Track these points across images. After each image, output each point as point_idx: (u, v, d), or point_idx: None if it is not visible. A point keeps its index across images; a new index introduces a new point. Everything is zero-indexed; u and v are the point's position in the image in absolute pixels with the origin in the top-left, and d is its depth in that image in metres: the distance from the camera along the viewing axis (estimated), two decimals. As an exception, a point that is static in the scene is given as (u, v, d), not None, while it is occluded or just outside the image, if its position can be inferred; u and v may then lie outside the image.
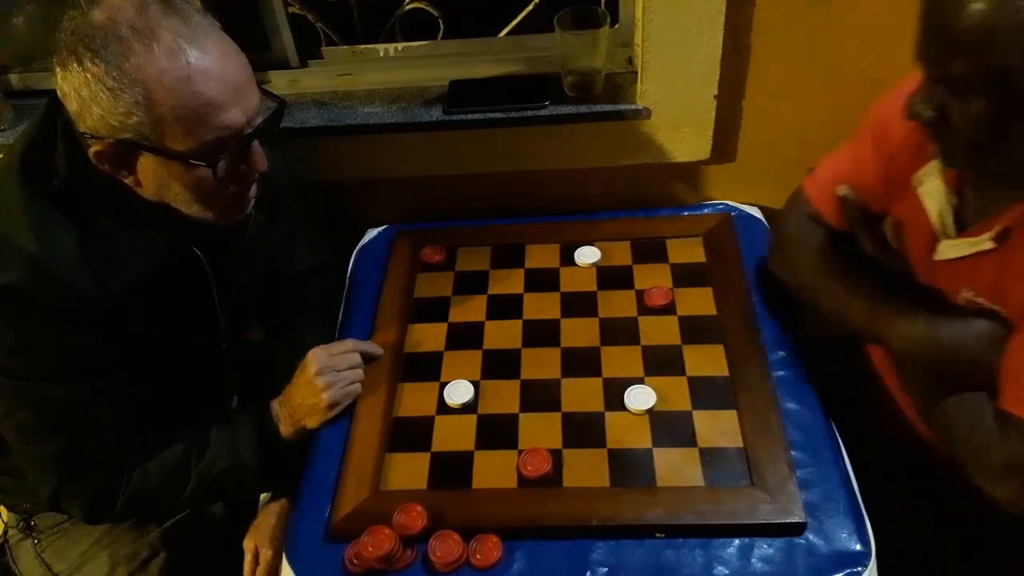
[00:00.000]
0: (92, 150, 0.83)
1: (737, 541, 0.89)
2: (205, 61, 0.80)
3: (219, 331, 1.06)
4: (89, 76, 0.78)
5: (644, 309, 1.15)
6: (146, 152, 0.83)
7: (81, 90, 0.80)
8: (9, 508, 1.12)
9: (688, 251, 1.24)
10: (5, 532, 1.14)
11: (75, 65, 0.79)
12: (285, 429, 1.04)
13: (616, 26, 1.28)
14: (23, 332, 0.86)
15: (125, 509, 0.97)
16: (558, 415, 1.03)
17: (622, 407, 1.02)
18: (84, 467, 0.94)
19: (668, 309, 1.14)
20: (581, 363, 1.08)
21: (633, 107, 1.25)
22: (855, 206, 0.96)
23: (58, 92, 0.83)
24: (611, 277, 1.21)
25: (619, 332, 1.12)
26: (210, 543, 1.14)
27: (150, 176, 0.86)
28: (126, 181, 0.87)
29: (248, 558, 1.06)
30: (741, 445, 0.96)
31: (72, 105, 0.82)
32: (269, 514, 1.08)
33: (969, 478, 0.84)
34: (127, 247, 0.89)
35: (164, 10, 0.81)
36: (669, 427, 1.00)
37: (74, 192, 0.86)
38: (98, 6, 0.80)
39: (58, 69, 0.81)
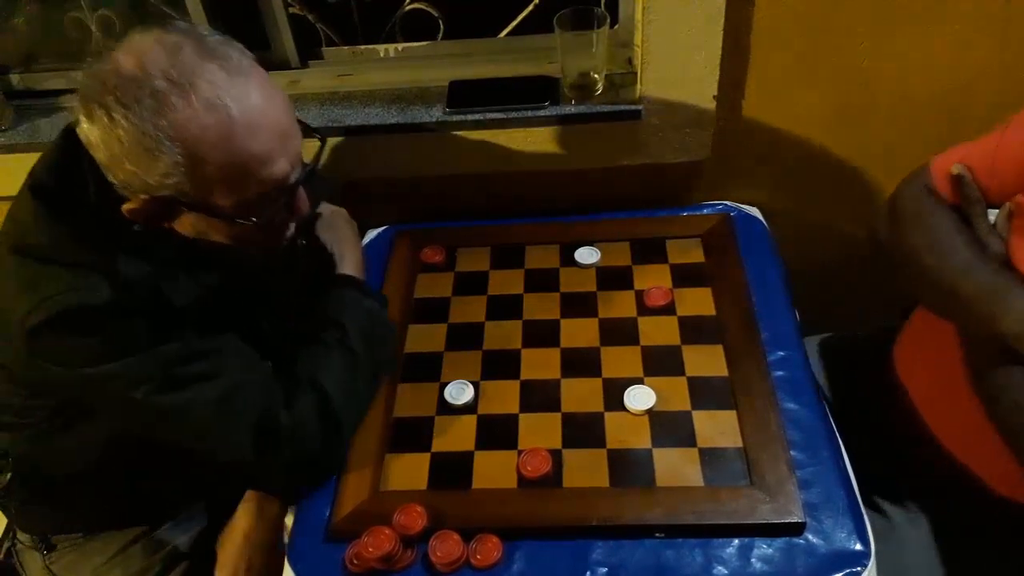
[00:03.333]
0: (125, 208, 0.79)
1: (736, 541, 0.89)
2: (249, 112, 0.75)
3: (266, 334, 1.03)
4: (121, 133, 0.72)
5: (644, 309, 1.15)
6: (186, 208, 0.79)
7: (112, 146, 0.74)
8: (23, 530, 1.11)
9: (688, 251, 1.24)
10: (14, 536, 1.13)
11: (104, 119, 0.73)
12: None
13: (616, 26, 1.28)
14: (139, 327, 0.83)
15: (337, 417, 0.92)
16: (558, 415, 1.03)
17: (622, 407, 1.02)
18: (261, 395, 0.90)
19: (668, 309, 1.14)
20: (581, 363, 1.08)
21: (633, 107, 1.25)
22: (969, 185, 0.94)
23: (81, 137, 0.77)
24: (611, 277, 1.21)
25: (619, 332, 1.12)
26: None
27: (188, 228, 0.84)
28: (163, 226, 0.84)
29: None
30: (741, 445, 0.96)
31: (100, 156, 0.76)
32: (233, 538, 1.04)
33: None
34: (177, 283, 0.86)
35: (199, 53, 0.74)
36: (669, 427, 1.00)
37: (115, 233, 0.82)
38: (123, 50, 0.74)
39: (82, 117, 0.75)
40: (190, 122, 0.73)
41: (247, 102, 0.75)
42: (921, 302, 0.98)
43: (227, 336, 0.90)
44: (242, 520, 1.03)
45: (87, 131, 0.76)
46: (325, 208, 1.14)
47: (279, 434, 0.88)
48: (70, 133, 0.82)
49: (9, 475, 1.00)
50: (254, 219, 0.81)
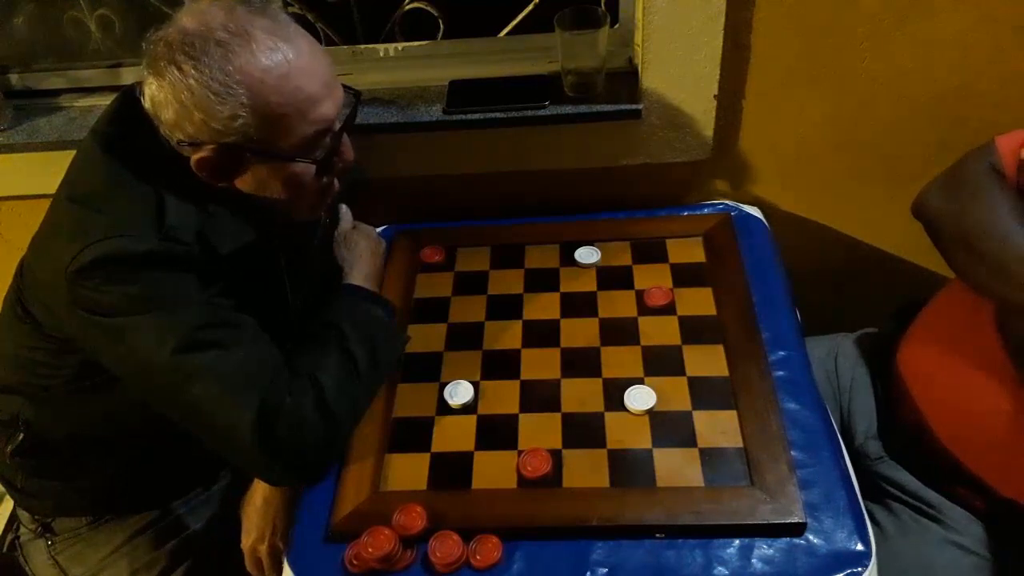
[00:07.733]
0: (195, 157, 0.85)
1: (737, 541, 0.89)
2: (300, 58, 0.83)
3: (288, 323, 1.04)
4: (192, 82, 0.80)
5: (644, 309, 1.15)
6: (250, 155, 0.85)
7: (181, 98, 0.81)
8: (28, 510, 1.11)
9: (688, 251, 1.23)
10: (17, 528, 1.13)
11: (175, 73, 0.80)
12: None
13: (616, 26, 1.28)
14: (175, 281, 0.86)
15: (332, 412, 0.92)
16: (558, 415, 1.02)
17: (622, 407, 1.02)
18: (270, 377, 0.90)
19: (668, 309, 1.14)
20: (581, 363, 1.08)
21: (633, 107, 1.25)
22: None
23: (148, 103, 0.84)
24: (611, 277, 1.21)
25: (619, 332, 1.12)
26: (229, 553, 1.14)
27: (249, 179, 0.89)
28: (219, 185, 0.89)
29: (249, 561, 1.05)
30: (741, 445, 0.96)
31: (168, 114, 0.83)
32: (254, 503, 1.05)
33: None
34: (222, 230, 0.90)
35: (251, 11, 0.83)
36: (669, 427, 1.00)
37: (166, 176, 0.88)
38: (184, 14, 0.82)
39: (151, 80, 0.82)
40: (252, 65, 0.80)
41: (299, 49, 0.84)
42: (963, 277, 0.97)
43: (249, 319, 0.93)
44: (261, 485, 1.03)
45: (155, 91, 0.83)
46: (346, 223, 1.19)
47: (279, 419, 0.88)
48: (127, 93, 0.90)
49: (22, 435, 1.01)
50: (312, 159, 0.87)
